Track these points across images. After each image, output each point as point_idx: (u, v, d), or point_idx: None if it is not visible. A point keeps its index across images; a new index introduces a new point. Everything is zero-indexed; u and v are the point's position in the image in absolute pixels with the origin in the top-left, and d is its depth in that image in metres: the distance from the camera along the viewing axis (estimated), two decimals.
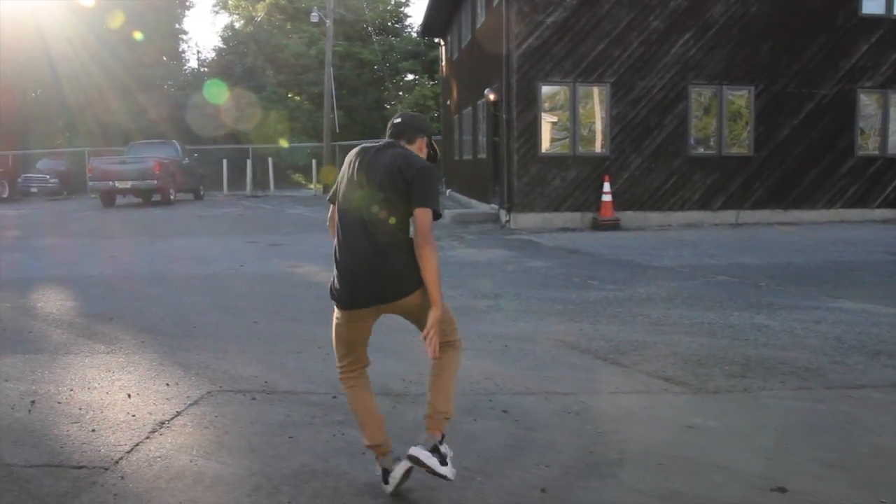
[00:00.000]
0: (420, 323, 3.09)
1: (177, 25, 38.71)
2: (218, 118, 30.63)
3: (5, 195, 24.65)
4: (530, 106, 14.60)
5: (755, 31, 14.98)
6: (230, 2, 43.60)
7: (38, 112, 32.46)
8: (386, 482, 3.16)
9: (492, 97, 15.94)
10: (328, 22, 28.82)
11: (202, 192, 24.89)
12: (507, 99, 14.75)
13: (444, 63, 27.13)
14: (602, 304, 7.24)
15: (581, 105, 14.92)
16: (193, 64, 41.17)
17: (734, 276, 8.86)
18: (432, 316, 2.98)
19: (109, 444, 3.78)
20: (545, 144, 14.81)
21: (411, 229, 3.05)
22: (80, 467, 3.50)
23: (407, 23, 42.32)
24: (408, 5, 55.96)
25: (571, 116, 14.84)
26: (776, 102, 15.22)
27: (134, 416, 4.20)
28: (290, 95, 36.30)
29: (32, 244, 13.03)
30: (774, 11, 14.98)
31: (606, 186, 14.51)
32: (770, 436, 3.90)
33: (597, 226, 14.44)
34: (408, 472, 3.13)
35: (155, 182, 20.77)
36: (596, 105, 15.02)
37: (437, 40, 29.30)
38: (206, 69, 39.40)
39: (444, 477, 3.02)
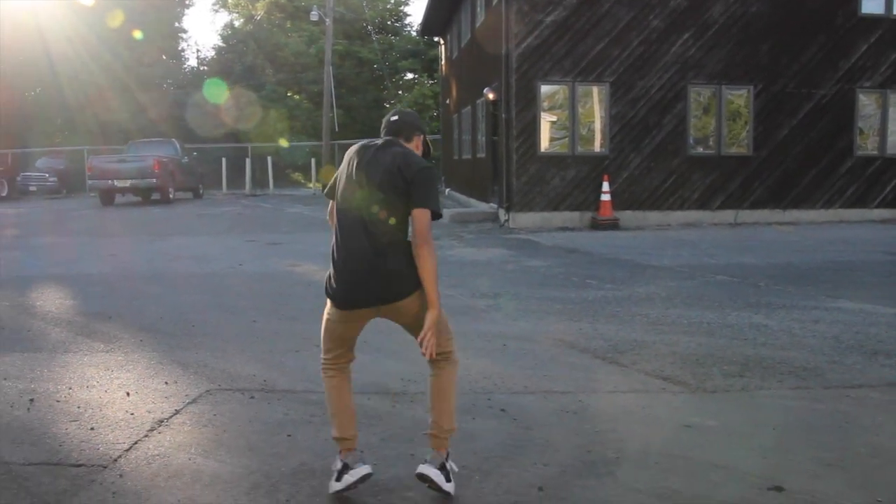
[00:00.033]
0: (414, 329, 3.08)
1: (176, 24, 38.71)
2: (217, 117, 30.62)
3: (4, 193, 24.64)
4: (529, 105, 14.60)
5: (755, 31, 14.99)
6: (230, 0, 43.59)
7: (37, 110, 32.45)
8: (338, 480, 3.08)
9: (491, 96, 15.95)
10: (328, 20, 28.81)
11: (201, 191, 24.88)
12: (507, 98, 14.76)
13: (443, 62, 27.13)
14: (601, 304, 7.25)
15: (580, 104, 14.92)
16: (193, 63, 41.22)
17: (733, 276, 8.87)
18: (430, 317, 2.98)
19: (108, 442, 3.79)
20: (544, 144, 14.82)
21: (410, 230, 3.05)
22: (79, 465, 3.51)
23: (406, 22, 42.35)
24: (407, 4, 56.02)
25: (570, 116, 14.85)
26: (775, 102, 15.23)
27: (132, 414, 4.20)
28: (289, 94, 36.29)
29: (31, 243, 13.03)
30: (774, 11, 14.99)
31: (605, 186, 14.51)
32: (768, 435, 3.90)
33: (596, 225, 14.45)
34: (364, 478, 3.10)
35: (154, 181, 20.76)
36: (595, 104, 15.03)
37: (436, 39, 29.30)
38: (205, 68, 39.40)
39: (447, 493, 3.07)
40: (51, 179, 27.10)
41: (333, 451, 3.34)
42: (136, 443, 3.77)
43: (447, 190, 23.28)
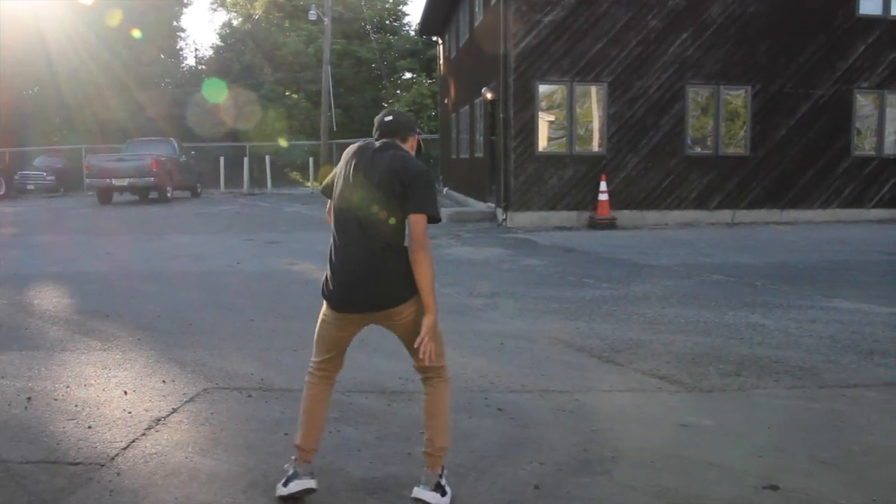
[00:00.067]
0: (409, 338, 3.07)
1: (175, 23, 38.64)
2: (216, 116, 30.61)
3: (2, 192, 24.60)
4: (527, 105, 14.62)
5: (753, 31, 15.01)
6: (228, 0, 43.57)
7: (35, 109, 32.41)
8: (285, 485, 3.11)
9: (489, 96, 15.95)
10: (326, 20, 28.83)
11: (199, 190, 24.86)
12: (505, 98, 14.77)
13: (441, 62, 27.13)
14: (598, 303, 7.26)
15: (578, 104, 14.94)
16: (191, 62, 41.10)
17: (730, 276, 8.89)
18: (427, 322, 2.98)
19: (105, 440, 3.79)
20: (542, 143, 14.83)
21: (406, 235, 3.05)
22: (77, 464, 3.51)
23: (405, 21, 42.33)
24: (406, 4, 56.22)
25: (568, 115, 14.86)
26: (773, 102, 15.25)
27: (130, 412, 4.21)
28: (287, 93, 36.25)
29: (29, 241, 13.02)
30: (772, 11, 15.01)
31: (603, 185, 14.53)
32: (764, 434, 3.92)
33: (593, 225, 14.46)
34: (307, 491, 3.11)
35: (152, 179, 20.73)
36: (593, 104, 15.04)
37: (435, 39, 29.30)
38: (203, 67, 39.33)
39: None
40: (49, 178, 27.04)
41: (330, 450, 3.36)
42: (133, 441, 3.78)
43: (445, 189, 23.28)
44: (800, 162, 15.40)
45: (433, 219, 3.02)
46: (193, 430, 3.97)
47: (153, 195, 22.02)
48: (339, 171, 3.18)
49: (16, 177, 26.19)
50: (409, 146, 3.22)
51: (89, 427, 3.98)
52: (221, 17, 56.55)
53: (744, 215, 15.28)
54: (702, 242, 12.27)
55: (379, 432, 3.91)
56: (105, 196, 21.23)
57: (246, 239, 12.92)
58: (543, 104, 14.86)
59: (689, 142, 15.22)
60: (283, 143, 30.09)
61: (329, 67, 29.01)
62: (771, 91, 15.21)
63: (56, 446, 3.73)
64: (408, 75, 39.59)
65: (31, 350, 5.64)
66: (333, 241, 3.10)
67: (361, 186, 3.04)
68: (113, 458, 3.56)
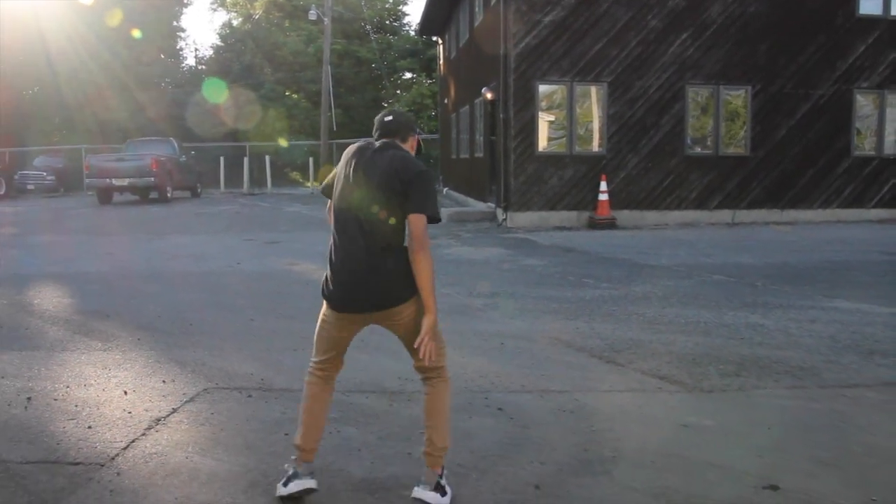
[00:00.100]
0: (409, 338, 3.07)
1: (175, 23, 38.65)
2: (216, 116, 30.61)
3: (2, 192, 24.60)
4: (527, 105, 14.62)
5: (753, 32, 15.01)
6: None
7: (35, 109, 32.41)
8: (285, 485, 3.11)
9: (489, 96, 15.95)
10: (326, 20, 28.82)
11: (199, 190, 24.86)
12: (505, 98, 14.77)
13: (441, 62, 27.13)
14: (597, 303, 7.26)
15: (578, 104, 14.94)
16: (191, 62, 41.12)
17: (730, 276, 8.88)
18: (427, 321, 2.98)
19: (105, 440, 3.79)
20: (542, 143, 14.83)
21: (406, 235, 3.05)
22: (77, 464, 3.51)
23: (405, 21, 42.34)
24: (406, 3, 56.16)
25: (568, 115, 14.86)
26: (773, 102, 15.25)
27: (130, 412, 4.21)
28: (287, 93, 36.26)
29: (29, 241, 13.02)
30: (772, 11, 15.01)
31: (603, 185, 14.53)
32: (764, 434, 3.92)
33: (593, 225, 14.46)
34: (307, 491, 3.12)
35: (152, 179, 20.73)
36: (593, 104, 15.04)
37: (435, 39, 29.31)
38: (203, 67, 39.34)
39: None
40: (49, 178, 27.03)
41: (330, 450, 3.36)
42: (133, 441, 3.78)
43: (445, 189, 23.29)
44: (800, 162, 15.40)
45: (433, 219, 3.02)
46: (193, 430, 3.97)
47: (153, 195, 22.02)
48: (338, 171, 3.18)
49: (16, 177, 26.20)
50: (410, 146, 3.22)
51: (89, 427, 3.98)
52: (221, 17, 56.60)
53: (744, 215, 15.28)
54: (702, 242, 12.27)
55: (380, 432, 3.91)
56: (105, 196, 21.23)
57: (246, 239, 12.92)
58: (543, 104, 14.86)
59: (689, 142, 15.22)
60: (283, 143, 30.09)
61: (329, 67, 29.00)
62: (771, 91, 15.21)
63: (56, 446, 3.72)
64: (408, 75, 39.60)
65: (31, 350, 5.64)
66: (333, 240, 3.10)
67: (361, 186, 3.04)
68: (113, 458, 3.56)
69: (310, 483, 3.12)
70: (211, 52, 40.31)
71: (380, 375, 4.85)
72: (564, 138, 14.93)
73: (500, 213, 15.27)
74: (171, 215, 17.99)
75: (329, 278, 3.10)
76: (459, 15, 21.00)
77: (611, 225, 14.39)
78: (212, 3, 45.36)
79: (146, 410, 4.24)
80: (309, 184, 28.92)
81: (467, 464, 3.48)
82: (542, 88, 14.73)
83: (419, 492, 3.07)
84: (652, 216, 15.02)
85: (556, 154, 14.87)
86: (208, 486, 3.29)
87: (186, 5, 42.03)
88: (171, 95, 33.91)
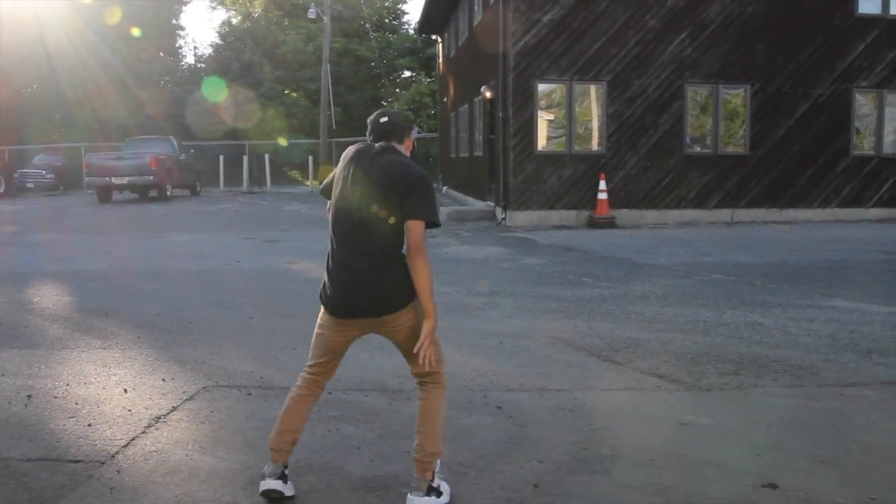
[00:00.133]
0: (408, 346, 3.06)
1: (174, 21, 38.64)
2: (215, 114, 30.60)
3: (1, 190, 24.58)
4: (527, 104, 14.62)
5: (751, 31, 15.01)
6: None
7: (35, 107, 32.40)
8: (263, 480, 3.13)
9: (488, 95, 15.95)
10: (326, 18, 28.81)
11: (199, 188, 24.86)
12: (504, 97, 14.77)
13: (441, 60, 27.12)
14: (596, 302, 7.27)
15: (577, 103, 14.94)
16: (191, 60, 41.11)
17: (729, 275, 8.90)
18: (426, 326, 2.97)
19: (105, 438, 3.80)
20: (541, 142, 14.84)
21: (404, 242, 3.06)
22: (77, 461, 3.52)
23: (404, 20, 42.33)
24: (405, 2, 56.24)
25: (568, 114, 14.87)
26: (772, 102, 15.26)
27: (130, 410, 4.22)
28: (286, 92, 36.23)
29: (28, 239, 13.02)
30: (771, 11, 15.01)
31: (602, 184, 14.53)
32: (762, 433, 3.93)
33: (592, 224, 14.47)
34: (274, 493, 3.10)
35: (151, 178, 20.72)
36: (592, 103, 15.05)
37: (434, 37, 29.29)
38: (203, 65, 39.33)
39: None
40: (48, 176, 27.03)
41: (330, 448, 3.36)
42: (133, 439, 3.78)
43: (444, 188, 23.29)
44: (799, 161, 15.41)
45: (432, 224, 3.02)
46: (193, 427, 3.98)
47: (153, 193, 22.02)
48: (337, 174, 3.17)
49: (15, 175, 26.18)
50: (406, 147, 3.22)
51: (89, 425, 3.98)
52: (221, 15, 56.44)
53: (743, 214, 15.29)
54: (701, 241, 12.28)
55: (379, 430, 3.92)
56: (104, 194, 21.22)
57: (245, 237, 12.92)
58: (542, 103, 14.86)
59: (688, 141, 15.23)
60: (282, 141, 30.08)
61: (328, 66, 28.99)
62: (770, 90, 15.22)
63: (56, 444, 3.73)
64: (407, 74, 39.61)
65: (31, 348, 5.64)
66: (332, 243, 3.10)
67: (360, 190, 3.03)
68: (113, 456, 3.57)
69: (273, 484, 3.09)
70: (210, 50, 40.32)
71: (379, 374, 4.86)
72: (563, 137, 14.94)
73: (499, 212, 15.28)
74: (171, 214, 17.99)
75: (327, 283, 3.09)
76: (459, 14, 20.99)
77: (610, 224, 14.40)
78: (211, 2, 45.28)
79: (146, 408, 4.25)
80: (308, 182, 28.92)
81: (466, 462, 3.49)
82: (541, 87, 14.74)
83: (412, 499, 3.04)
84: (651, 215, 15.03)
85: (556, 153, 14.87)
86: (208, 483, 3.30)
87: (185, 3, 42.11)
88: (171, 94, 33.90)
